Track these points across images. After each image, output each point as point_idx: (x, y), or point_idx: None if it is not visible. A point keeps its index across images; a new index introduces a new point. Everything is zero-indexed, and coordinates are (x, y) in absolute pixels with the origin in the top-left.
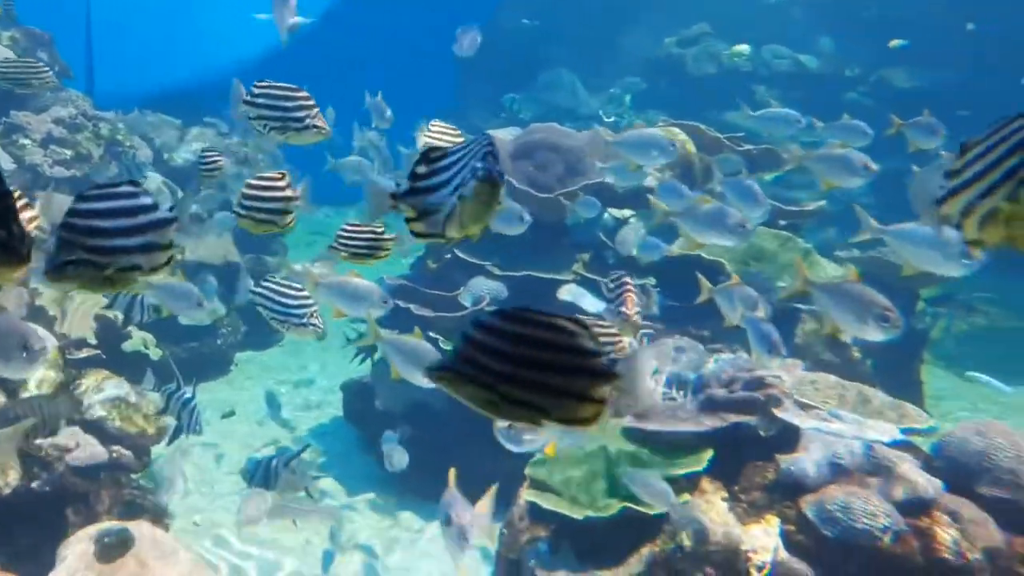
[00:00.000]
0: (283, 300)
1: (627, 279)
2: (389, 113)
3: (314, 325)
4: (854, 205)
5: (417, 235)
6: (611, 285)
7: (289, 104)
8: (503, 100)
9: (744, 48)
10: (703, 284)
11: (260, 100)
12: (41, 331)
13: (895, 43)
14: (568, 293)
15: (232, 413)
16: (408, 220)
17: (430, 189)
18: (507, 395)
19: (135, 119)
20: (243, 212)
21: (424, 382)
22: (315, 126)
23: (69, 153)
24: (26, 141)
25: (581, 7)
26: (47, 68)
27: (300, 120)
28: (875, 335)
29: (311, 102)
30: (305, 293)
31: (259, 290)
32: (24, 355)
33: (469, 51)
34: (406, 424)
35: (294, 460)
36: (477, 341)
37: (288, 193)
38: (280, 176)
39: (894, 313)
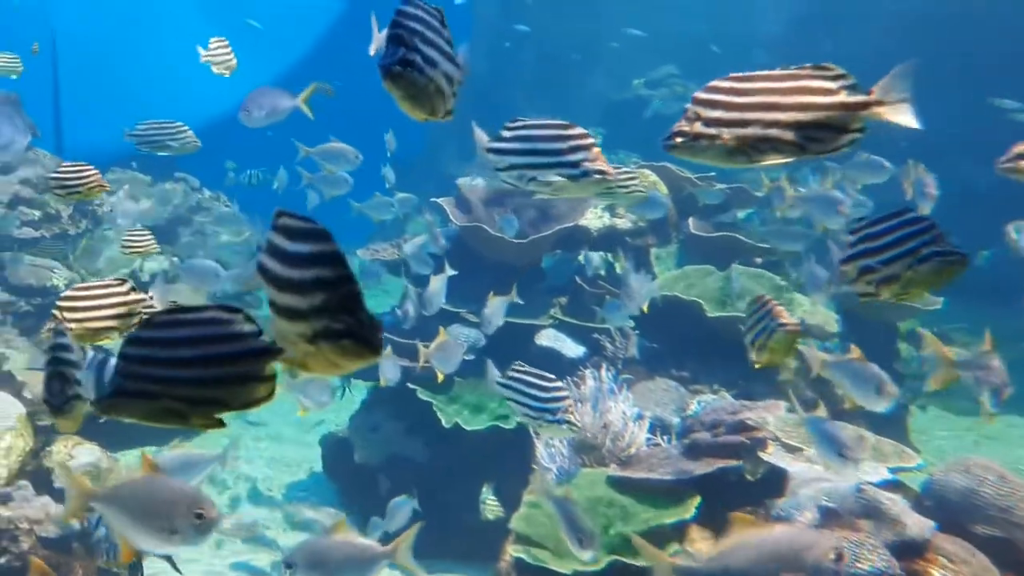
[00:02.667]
0: (534, 392)
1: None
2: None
3: (569, 423)
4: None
5: None
6: (544, 396)
7: (560, 146)
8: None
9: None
10: (814, 357)
11: (514, 145)
12: (9, 398)
13: None
14: (547, 339)
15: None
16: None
17: None
18: (181, 398)
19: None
20: (74, 325)
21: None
22: (598, 172)
23: (38, 214)
24: None
25: (541, 51)
26: (186, 128)
27: (575, 165)
28: (878, 406)
29: (588, 140)
30: (558, 384)
31: (509, 381)
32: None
33: None
34: (385, 476)
35: None
36: (135, 356)
37: (132, 297)
38: (119, 282)
39: (891, 386)
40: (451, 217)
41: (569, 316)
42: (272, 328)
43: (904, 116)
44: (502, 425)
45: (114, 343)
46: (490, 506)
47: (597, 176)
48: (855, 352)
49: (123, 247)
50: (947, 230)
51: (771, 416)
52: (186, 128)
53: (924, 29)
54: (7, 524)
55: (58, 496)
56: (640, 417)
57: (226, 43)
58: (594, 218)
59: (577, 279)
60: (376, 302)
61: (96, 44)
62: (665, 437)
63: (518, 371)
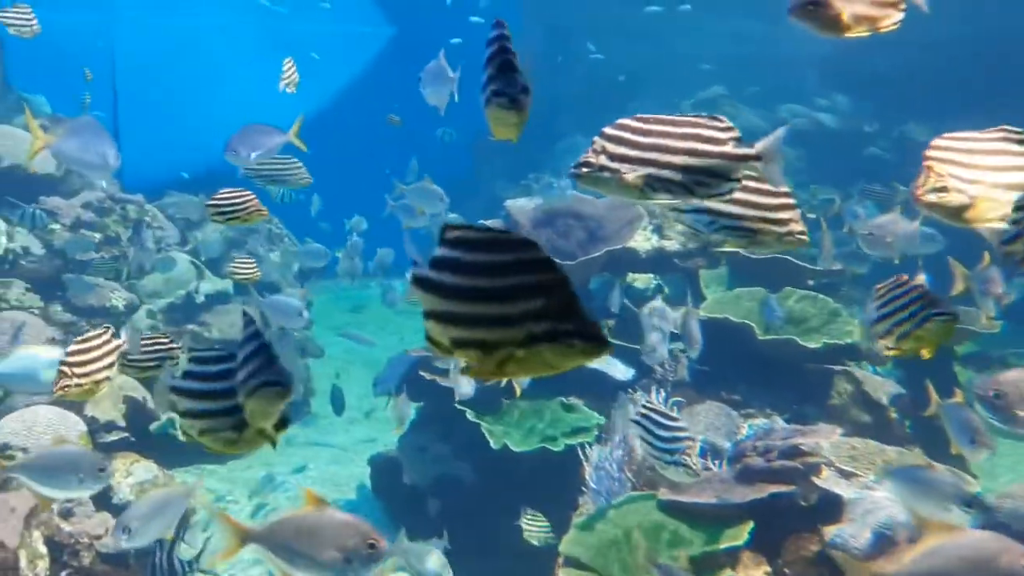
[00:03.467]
0: (657, 432)
1: (688, 434)
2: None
3: (686, 466)
4: None
5: None
6: (665, 435)
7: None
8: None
9: None
10: (933, 397)
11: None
12: (71, 416)
13: None
14: (595, 361)
15: (260, 491)
16: None
17: None
18: None
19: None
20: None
21: None
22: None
23: (98, 236)
24: (55, 226)
25: (592, 74)
26: (301, 164)
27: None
28: (973, 456)
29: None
30: (680, 424)
31: (638, 417)
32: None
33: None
34: (434, 498)
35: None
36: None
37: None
38: (101, 332)
39: (987, 438)
40: None
41: (618, 338)
42: (432, 342)
43: (775, 175)
44: (550, 447)
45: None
46: (535, 530)
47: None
48: (958, 396)
49: (232, 273)
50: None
51: (826, 441)
52: (300, 164)
53: (970, 47)
54: (68, 539)
55: (116, 511)
56: (691, 440)
57: (292, 62)
58: (643, 240)
59: (625, 301)
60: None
61: (154, 70)
62: (716, 461)
63: (647, 408)
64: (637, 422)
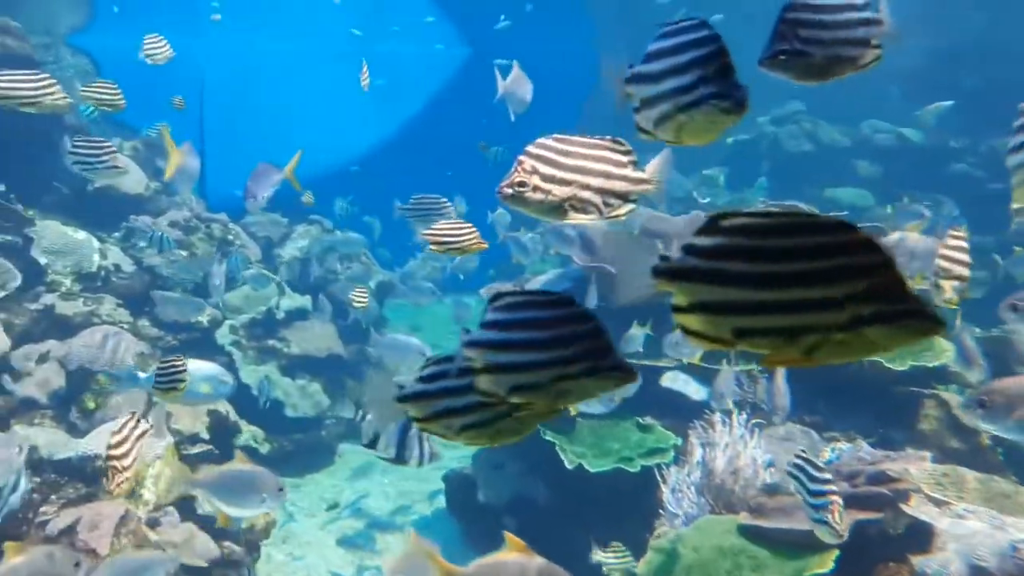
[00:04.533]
0: (807, 484)
1: (834, 488)
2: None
3: (828, 524)
4: None
5: None
6: (812, 488)
7: None
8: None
9: None
10: None
11: None
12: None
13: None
14: (671, 380)
15: (336, 505)
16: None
17: None
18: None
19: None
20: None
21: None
22: None
23: (184, 254)
24: (144, 243)
25: None
26: (447, 202)
27: None
28: None
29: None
30: (826, 476)
31: (791, 468)
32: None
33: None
34: (510, 517)
35: None
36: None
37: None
38: (130, 420)
39: None
40: (575, 257)
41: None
42: (698, 335)
43: (659, 197)
44: (626, 468)
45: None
46: (615, 563)
47: None
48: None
49: (352, 302)
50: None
51: (914, 467)
52: (448, 202)
53: None
54: (155, 548)
55: (200, 521)
56: (772, 464)
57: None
58: None
59: None
60: None
61: (238, 93)
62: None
63: (799, 458)
64: (791, 473)
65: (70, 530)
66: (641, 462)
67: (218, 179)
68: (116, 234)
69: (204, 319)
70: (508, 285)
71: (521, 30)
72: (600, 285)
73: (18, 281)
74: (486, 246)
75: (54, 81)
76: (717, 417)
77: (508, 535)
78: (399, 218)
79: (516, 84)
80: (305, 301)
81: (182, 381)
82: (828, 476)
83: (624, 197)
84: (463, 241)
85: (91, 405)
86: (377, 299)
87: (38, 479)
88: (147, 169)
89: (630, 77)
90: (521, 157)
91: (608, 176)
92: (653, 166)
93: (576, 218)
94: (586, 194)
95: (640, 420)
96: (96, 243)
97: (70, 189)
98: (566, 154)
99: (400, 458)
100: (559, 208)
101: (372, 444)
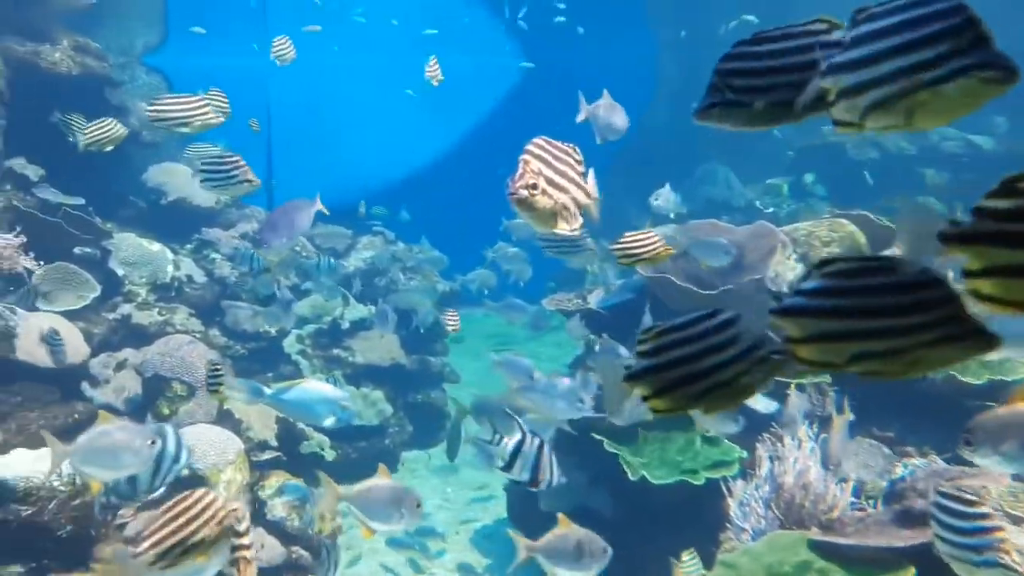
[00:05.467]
0: (952, 522)
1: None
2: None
3: (1004, 566)
4: None
5: None
6: (966, 526)
7: None
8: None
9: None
10: None
11: None
12: (230, 434)
13: None
14: None
15: None
16: None
17: None
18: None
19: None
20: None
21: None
22: None
23: (271, 272)
24: (216, 255)
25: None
26: (591, 242)
27: None
28: None
29: None
30: (984, 510)
31: (933, 510)
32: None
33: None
34: None
35: None
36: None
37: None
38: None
39: None
40: (638, 268)
41: None
42: (811, 362)
43: (594, 212)
44: (690, 480)
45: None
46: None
47: None
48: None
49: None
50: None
51: (994, 484)
52: (592, 243)
53: None
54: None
55: (270, 527)
56: (844, 480)
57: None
58: (788, 269)
59: (771, 333)
60: (562, 351)
61: (303, 109)
62: (870, 501)
63: (940, 494)
64: (935, 517)
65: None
66: (706, 474)
67: (285, 192)
68: (188, 246)
69: (272, 328)
70: (570, 295)
71: (576, 42)
72: (660, 294)
73: (97, 292)
74: (669, 253)
75: (204, 103)
76: (785, 432)
77: (560, 516)
78: (546, 255)
79: (607, 111)
80: (369, 311)
81: (221, 384)
82: (984, 510)
83: (579, 210)
84: (649, 249)
85: (165, 411)
86: (439, 309)
87: None
88: None
89: (827, 69)
90: (526, 157)
91: (578, 186)
92: (592, 181)
93: (561, 227)
94: (569, 201)
95: (705, 432)
96: (170, 255)
97: (145, 203)
98: (556, 158)
99: (533, 481)
100: (552, 216)
101: (508, 467)
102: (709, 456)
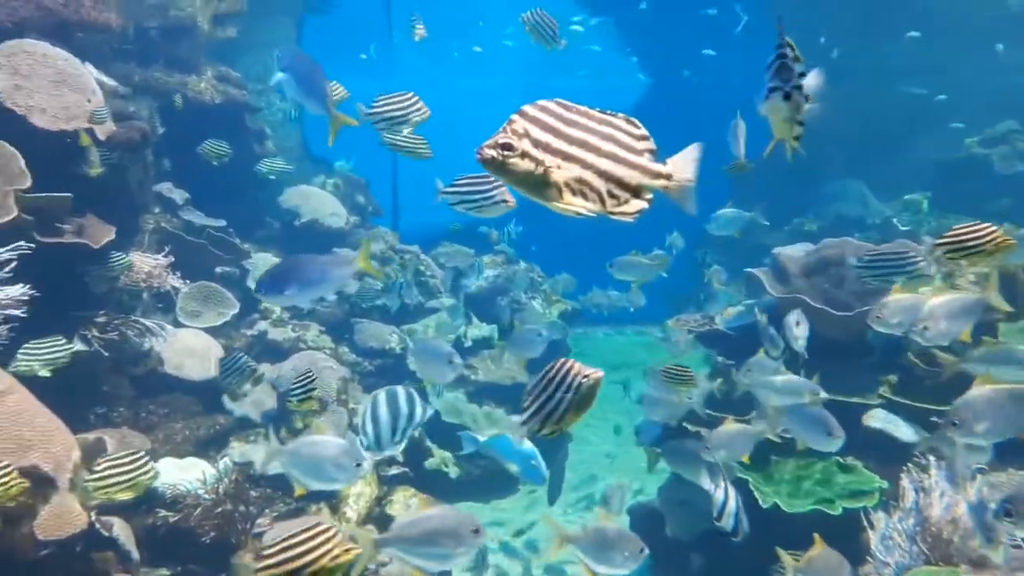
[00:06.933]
0: None
1: None
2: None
3: None
4: None
5: None
6: None
7: None
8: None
9: None
10: None
11: None
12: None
13: None
14: (877, 420)
15: (522, 532)
16: None
17: None
18: None
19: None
20: None
21: None
22: None
23: (379, 284)
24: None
25: (866, 111)
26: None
27: None
28: None
29: None
30: None
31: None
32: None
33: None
34: (698, 554)
35: None
36: None
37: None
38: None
39: None
40: (768, 288)
41: (900, 396)
42: None
43: (686, 200)
44: (826, 510)
45: None
46: None
47: None
48: None
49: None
50: None
51: None
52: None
53: None
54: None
55: None
56: (999, 513)
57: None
58: (930, 289)
59: (909, 355)
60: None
61: (426, 130)
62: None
63: None
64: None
65: None
66: (843, 504)
67: (411, 212)
68: None
69: (397, 346)
70: (696, 316)
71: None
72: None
73: (236, 309)
74: (1015, 243)
75: (417, 100)
76: (932, 459)
77: (599, 511)
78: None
79: (735, 135)
80: (491, 330)
81: (312, 392)
82: None
83: (635, 191)
84: (990, 241)
85: (299, 425)
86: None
87: (255, 493)
88: (346, 204)
89: None
90: (513, 116)
91: (616, 160)
92: (679, 159)
93: (571, 203)
94: (588, 175)
95: (841, 460)
96: None
97: (280, 223)
98: (569, 123)
99: (734, 532)
100: (550, 185)
101: (718, 517)
102: (845, 485)
